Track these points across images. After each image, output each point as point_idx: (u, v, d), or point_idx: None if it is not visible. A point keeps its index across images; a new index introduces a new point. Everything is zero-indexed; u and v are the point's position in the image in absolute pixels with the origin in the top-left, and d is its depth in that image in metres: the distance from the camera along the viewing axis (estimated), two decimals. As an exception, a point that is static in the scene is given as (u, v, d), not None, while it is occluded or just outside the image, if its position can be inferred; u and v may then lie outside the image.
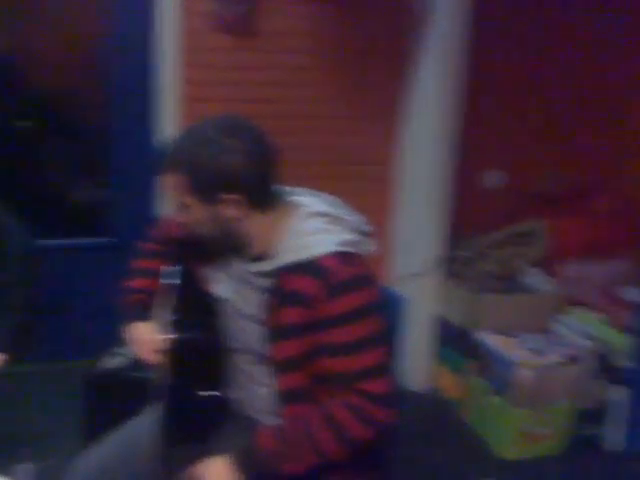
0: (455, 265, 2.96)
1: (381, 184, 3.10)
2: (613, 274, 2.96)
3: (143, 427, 1.50)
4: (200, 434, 1.45)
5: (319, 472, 1.34)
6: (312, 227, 1.36)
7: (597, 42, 3.12)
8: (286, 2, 2.77)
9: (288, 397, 1.39)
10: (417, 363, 3.04)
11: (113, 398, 2.24)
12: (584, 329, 2.77)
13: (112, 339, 2.00)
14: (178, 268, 1.51)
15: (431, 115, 2.82)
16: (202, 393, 1.46)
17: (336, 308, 1.30)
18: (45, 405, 2.67)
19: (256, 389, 1.46)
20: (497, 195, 3.20)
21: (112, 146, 2.91)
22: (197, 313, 1.49)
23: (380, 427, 1.34)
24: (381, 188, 3.10)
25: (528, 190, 3.20)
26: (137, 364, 1.64)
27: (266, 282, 1.37)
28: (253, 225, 1.37)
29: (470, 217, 3.05)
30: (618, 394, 2.55)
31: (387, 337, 1.39)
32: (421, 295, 2.95)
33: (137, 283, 1.64)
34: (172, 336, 1.45)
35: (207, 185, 1.32)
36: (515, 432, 2.61)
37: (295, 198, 1.43)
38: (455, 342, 2.94)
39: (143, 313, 1.59)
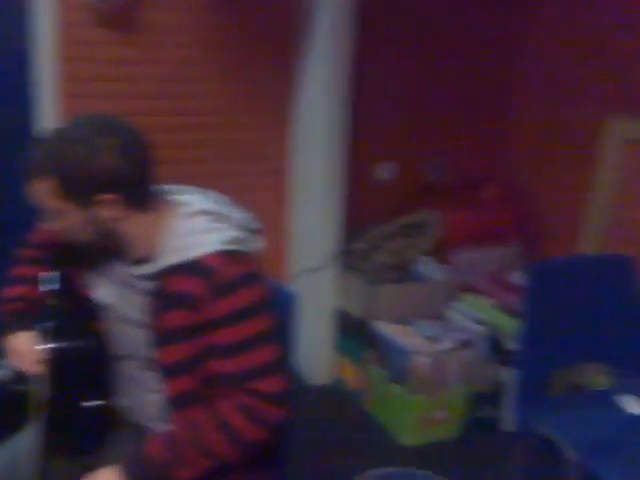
0: (351, 258, 2.99)
1: (276, 179, 3.09)
2: (501, 260, 3.08)
3: (24, 444, 1.42)
4: (86, 446, 1.39)
5: (214, 474, 1.32)
6: (196, 226, 1.32)
7: (481, 40, 3.24)
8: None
9: (178, 402, 1.36)
10: (319, 357, 3.06)
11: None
12: (476, 314, 2.86)
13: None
14: (57, 274, 1.45)
15: (321, 110, 2.82)
16: (86, 404, 1.40)
17: (223, 308, 1.27)
18: None
19: (145, 396, 1.42)
20: (390, 187, 3.26)
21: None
22: (78, 320, 1.43)
23: (273, 426, 1.33)
24: (276, 184, 3.09)
25: (418, 182, 3.29)
26: (18, 376, 1.55)
27: (150, 285, 1.33)
28: (133, 226, 1.32)
29: (364, 210, 3.10)
30: (509, 375, 2.65)
31: (279, 335, 1.38)
32: (320, 289, 2.97)
33: (15, 291, 1.55)
34: (52, 345, 1.38)
35: (80, 187, 1.26)
36: (415, 418, 2.67)
37: (178, 197, 1.39)
38: (355, 333, 2.98)
39: (22, 322, 1.50)
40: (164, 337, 1.32)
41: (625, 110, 2.64)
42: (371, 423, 2.82)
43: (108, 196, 1.27)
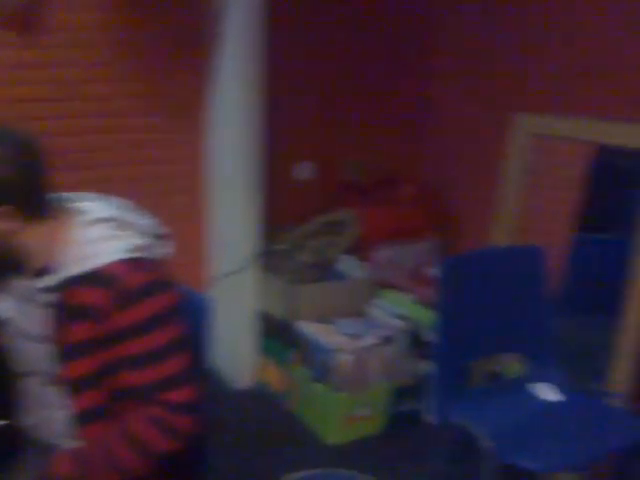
0: (272, 259, 2.97)
1: (192, 183, 3.03)
2: (419, 256, 3.14)
3: None
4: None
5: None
6: (96, 234, 1.28)
7: (397, 38, 3.28)
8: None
9: (85, 418, 1.31)
10: (242, 360, 3.03)
11: None
12: (396, 310, 2.90)
13: None
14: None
15: (237, 111, 2.79)
16: (-13, 425, 1.33)
17: (128, 318, 1.24)
18: None
19: (50, 412, 1.36)
20: (308, 187, 3.26)
21: None
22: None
23: (186, 435, 1.30)
24: (193, 186, 3.04)
25: (337, 181, 3.30)
26: None
27: (51, 297, 1.27)
28: (30, 237, 1.27)
29: (284, 210, 3.08)
30: (428, 368, 2.70)
31: (190, 342, 1.35)
32: (241, 292, 2.94)
33: None
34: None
35: None
36: (339, 416, 2.68)
37: (77, 205, 1.34)
38: (278, 335, 2.97)
39: None
40: (67, 351, 1.27)
41: (531, 106, 2.73)
42: (296, 424, 2.82)
43: (1, 208, 1.22)
